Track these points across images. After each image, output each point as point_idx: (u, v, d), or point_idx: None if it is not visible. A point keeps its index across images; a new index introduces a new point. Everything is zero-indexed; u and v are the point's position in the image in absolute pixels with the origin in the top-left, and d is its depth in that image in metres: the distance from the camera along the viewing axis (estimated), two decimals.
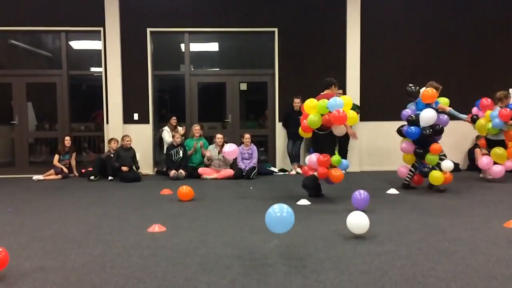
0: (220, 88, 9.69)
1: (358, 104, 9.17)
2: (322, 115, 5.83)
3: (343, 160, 6.10)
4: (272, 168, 9.10)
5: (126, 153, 8.30)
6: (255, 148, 8.55)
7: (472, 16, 9.33)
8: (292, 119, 9.03)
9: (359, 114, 9.15)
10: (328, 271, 3.25)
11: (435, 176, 6.39)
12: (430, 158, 6.50)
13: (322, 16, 9.29)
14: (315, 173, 5.94)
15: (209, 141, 8.83)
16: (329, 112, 5.73)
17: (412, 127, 6.49)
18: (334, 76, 9.04)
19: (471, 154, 9.19)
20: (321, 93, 6.19)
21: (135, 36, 9.14)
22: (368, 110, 9.25)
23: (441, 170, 6.43)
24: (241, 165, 8.40)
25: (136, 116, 9.21)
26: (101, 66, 9.21)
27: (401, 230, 4.38)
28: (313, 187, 6.02)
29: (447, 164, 6.40)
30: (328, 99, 5.80)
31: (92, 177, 8.16)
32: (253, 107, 10.50)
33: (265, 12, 9.29)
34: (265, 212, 3.75)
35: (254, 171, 8.34)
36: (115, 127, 9.07)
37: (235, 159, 8.46)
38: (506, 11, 9.30)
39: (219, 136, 8.52)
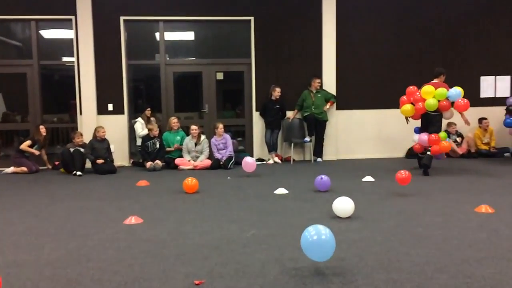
0: (196, 78, 9.60)
1: (334, 94, 9.22)
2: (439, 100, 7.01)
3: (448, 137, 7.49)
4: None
5: (101, 145, 8.15)
6: (228, 137, 8.51)
7: (444, 7, 9.44)
8: (269, 108, 9.04)
9: (334, 103, 9.24)
10: (305, 258, 3.27)
11: None
12: None
13: (298, 5, 9.27)
14: (429, 152, 7.08)
15: (187, 132, 8.75)
16: (447, 99, 6.97)
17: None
18: (310, 65, 9.20)
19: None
20: (432, 82, 7.30)
21: (108, 24, 8.94)
22: (344, 99, 9.32)
23: None
24: (218, 155, 8.36)
25: (110, 107, 9.05)
26: (73, 56, 8.98)
27: (377, 217, 4.45)
28: (430, 166, 7.08)
29: None
30: (436, 87, 7.04)
31: (78, 173, 7.76)
32: (229, 96, 10.45)
33: (241, 0, 9.21)
34: (243, 201, 3.74)
35: (232, 161, 8.32)
36: (89, 118, 8.89)
37: (211, 152, 8.43)
38: (477, 2, 9.46)
39: (193, 127, 8.45)
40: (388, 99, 9.43)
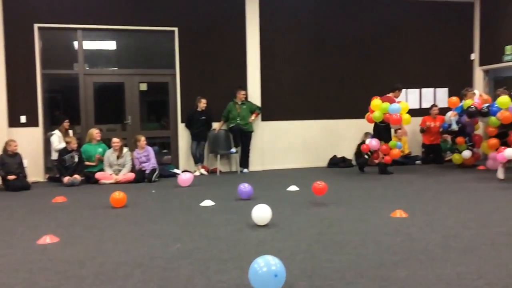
0: (119, 89, 9.28)
1: (259, 105, 9.37)
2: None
3: (397, 143, 8.25)
4: (175, 170, 8.93)
5: (12, 160, 7.58)
6: (150, 149, 8.30)
7: (360, 24, 9.99)
8: (195, 119, 8.97)
9: (259, 114, 9.39)
10: (231, 271, 3.26)
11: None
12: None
13: (222, 18, 9.33)
14: (383, 160, 8.21)
15: (109, 145, 8.40)
16: (389, 113, 7.80)
17: None
18: (235, 77, 9.28)
19: (359, 150, 9.81)
20: (386, 95, 8.16)
21: (21, 32, 8.38)
22: (269, 110, 9.49)
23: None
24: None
25: (23, 119, 8.45)
26: None
27: (300, 225, 4.55)
28: (385, 169, 8.22)
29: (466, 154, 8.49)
30: (390, 101, 7.87)
31: None
32: (154, 108, 10.23)
33: (165, 11, 9.09)
34: (168, 215, 3.66)
35: (156, 173, 8.12)
36: None
37: (133, 166, 8.19)
38: (390, 19, 10.12)
39: (115, 140, 8.15)
40: (311, 110, 9.79)
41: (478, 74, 10.55)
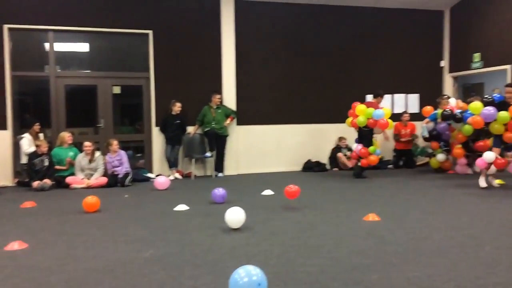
0: (91, 91, 9.12)
1: (234, 109, 9.36)
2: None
3: (376, 150, 8.40)
4: (149, 174, 8.83)
5: None
6: (123, 153, 8.18)
7: (334, 31, 10.12)
8: (170, 123, 8.89)
9: (235, 119, 9.39)
10: (205, 275, 3.24)
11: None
12: None
13: (198, 21, 9.30)
14: (359, 163, 8.38)
15: (81, 148, 8.24)
16: (373, 118, 8.01)
17: None
18: (211, 81, 9.26)
19: (333, 154, 9.93)
20: (369, 101, 8.53)
21: None
22: (244, 115, 9.50)
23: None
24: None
25: None
26: None
27: (275, 230, 4.56)
28: (360, 172, 8.40)
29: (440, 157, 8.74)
30: (374, 107, 8.12)
31: None
32: (128, 111, 10.09)
33: (139, 13, 8.99)
34: (141, 220, 3.61)
35: (129, 177, 8.00)
36: None
37: (106, 170, 8.06)
38: (363, 26, 10.29)
39: (87, 143, 8.00)
40: (286, 115, 9.84)
41: (448, 80, 10.82)
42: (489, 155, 6.66)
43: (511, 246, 3.83)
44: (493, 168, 6.88)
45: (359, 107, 8.25)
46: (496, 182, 7.25)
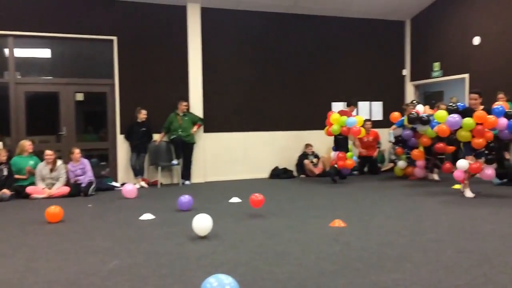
0: (53, 99, 8.87)
1: (201, 117, 9.32)
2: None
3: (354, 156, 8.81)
4: (114, 183, 8.65)
5: None
6: (86, 161, 7.99)
7: (300, 39, 10.26)
8: (135, 131, 8.76)
9: (202, 126, 9.34)
10: (172, 286, 3.19)
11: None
12: None
13: (164, 28, 9.23)
14: (336, 165, 8.60)
15: (41, 157, 7.98)
16: (346, 126, 8.28)
17: None
18: (177, 88, 9.21)
19: (300, 161, 10.01)
20: (343, 110, 8.73)
21: None
22: (211, 122, 9.47)
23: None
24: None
25: None
26: None
27: (242, 237, 4.54)
28: (335, 174, 8.62)
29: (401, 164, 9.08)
30: (347, 115, 8.37)
31: None
32: (91, 119, 9.86)
33: (103, 19, 8.85)
34: (105, 230, 3.52)
35: (92, 187, 7.81)
36: None
37: (68, 179, 7.84)
38: (328, 35, 10.48)
39: (48, 152, 7.76)
40: (253, 122, 9.88)
41: (409, 89, 11.15)
42: (462, 163, 6.61)
43: (471, 249, 3.96)
44: (464, 163, 6.73)
45: (333, 116, 8.50)
46: (454, 186, 7.49)
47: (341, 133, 8.43)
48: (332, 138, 8.76)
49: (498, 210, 5.70)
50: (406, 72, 11.16)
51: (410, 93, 11.14)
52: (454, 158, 9.65)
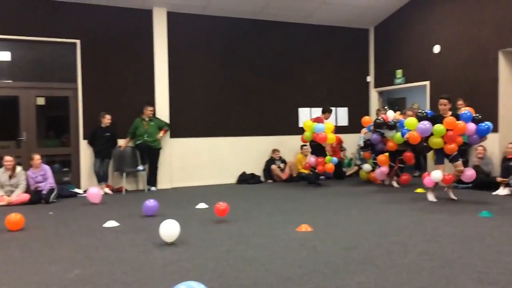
0: (12, 103, 8.55)
1: (168, 122, 9.21)
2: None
3: (333, 158, 8.85)
4: (76, 190, 8.41)
5: None
6: (47, 167, 7.73)
7: (268, 45, 10.31)
8: (99, 136, 8.56)
9: (168, 131, 9.23)
10: None
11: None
12: None
13: (129, 31, 9.08)
14: (316, 170, 8.85)
15: (0, 164, 7.68)
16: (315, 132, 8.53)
17: None
18: (143, 92, 9.08)
19: (267, 166, 10.05)
20: (317, 116, 8.99)
21: None
22: (178, 127, 9.37)
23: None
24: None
25: None
26: None
27: (209, 243, 4.51)
28: (316, 178, 9.01)
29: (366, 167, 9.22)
30: (319, 121, 8.61)
31: None
32: (53, 123, 9.58)
33: (66, 22, 8.62)
34: (67, 238, 3.42)
35: (54, 193, 7.56)
36: None
37: (28, 186, 7.57)
38: (295, 41, 10.59)
39: (8, 158, 7.47)
40: (220, 127, 9.85)
41: (374, 95, 11.40)
42: (436, 175, 6.55)
43: (433, 252, 4.07)
44: (439, 174, 6.68)
45: (306, 123, 8.77)
46: (417, 190, 7.68)
47: (313, 139, 8.60)
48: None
49: (458, 214, 5.89)
50: (370, 78, 11.41)
51: (374, 99, 11.38)
52: (417, 167, 9.97)
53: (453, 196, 6.91)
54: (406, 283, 3.26)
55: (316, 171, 8.88)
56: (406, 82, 10.43)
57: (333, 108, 10.77)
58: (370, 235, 4.76)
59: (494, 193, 7.40)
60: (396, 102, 12.74)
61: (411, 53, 10.23)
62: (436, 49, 9.53)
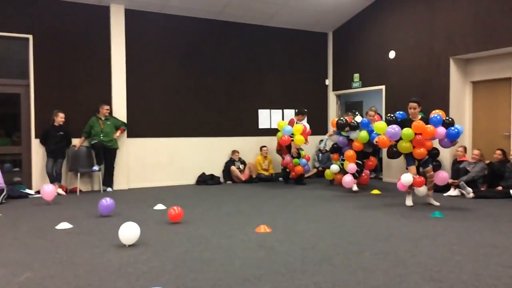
0: None
1: (125, 121, 9.01)
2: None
3: (301, 160, 9.20)
4: (28, 190, 8.07)
5: None
6: None
7: (227, 44, 10.29)
8: (52, 135, 8.25)
9: (125, 131, 9.03)
10: None
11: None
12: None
13: (85, 28, 8.81)
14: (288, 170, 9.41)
15: None
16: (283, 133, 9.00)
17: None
18: (99, 90, 8.85)
19: (227, 167, 10.02)
20: (292, 118, 9.47)
21: None
22: (136, 127, 9.19)
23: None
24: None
25: None
26: None
27: (166, 245, 4.44)
28: (287, 177, 9.61)
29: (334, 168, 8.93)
30: (291, 123, 9.04)
31: None
32: (3, 122, 9.15)
33: (17, 16, 8.25)
34: (17, 240, 3.27)
35: (3, 194, 7.22)
36: None
37: None
38: (255, 43, 10.63)
39: None
40: (179, 128, 9.73)
41: (332, 98, 11.61)
42: (407, 178, 6.46)
43: (387, 251, 4.18)
44: (423, 189, 6.69)
45: (280, 123, 9.31)
46: (373, 192, 7.86)
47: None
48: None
49: (412, 215, 6.09)
50: (328, 82, 11.61)
51: (332, 102, 11.59)
52: (373, 169, 10.17)
53: (434, 202, 6.74)
54: (362, 282, 3.33)
55: (288, 170, 9.38)
56: (363, 86, 10.69)
57: (293, 110, 10.88)
58: (326, 235, 4.84)
59: (445, 194, 7.71)
60: (353, 106, 13.02)
61: (368, 58, 10.50)
62: (392, 54, 9.82)
